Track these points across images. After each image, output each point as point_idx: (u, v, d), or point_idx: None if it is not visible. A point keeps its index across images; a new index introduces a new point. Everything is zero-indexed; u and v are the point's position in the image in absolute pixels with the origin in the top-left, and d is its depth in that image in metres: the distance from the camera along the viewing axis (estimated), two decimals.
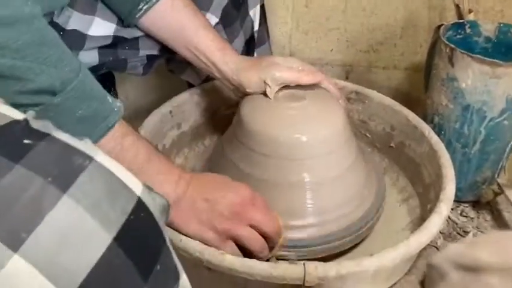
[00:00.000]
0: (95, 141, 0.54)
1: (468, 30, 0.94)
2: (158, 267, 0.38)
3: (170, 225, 0.63)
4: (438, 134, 0.88)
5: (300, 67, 0.79)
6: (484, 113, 0.84)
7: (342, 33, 1.17)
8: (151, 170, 0.60)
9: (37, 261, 0.33)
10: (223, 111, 0.99)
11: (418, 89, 1.13)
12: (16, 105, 0.41)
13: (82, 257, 0.34)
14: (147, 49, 0.85)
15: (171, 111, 0.91)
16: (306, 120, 0.76)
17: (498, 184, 0.92)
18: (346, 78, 1.20)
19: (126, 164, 0.51)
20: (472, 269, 0.21)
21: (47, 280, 0.34)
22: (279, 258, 0.73)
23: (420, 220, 0.82)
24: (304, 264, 0.63)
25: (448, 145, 0.88)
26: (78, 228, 0.35)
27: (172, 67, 0.96)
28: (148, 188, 0.39)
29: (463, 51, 0.82)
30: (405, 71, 1.20)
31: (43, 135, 0.38)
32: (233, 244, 0.65)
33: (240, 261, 0.63)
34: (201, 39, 0.78)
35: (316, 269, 0.62)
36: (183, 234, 0.64)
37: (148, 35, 0.82)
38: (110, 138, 0.56)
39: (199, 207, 0.63)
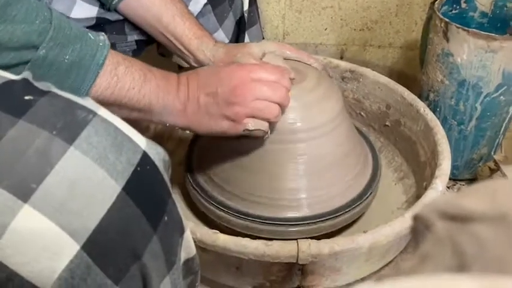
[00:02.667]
0: (91, 83, 0.52)
1: (464, 5, 0.92)
2: (166, 218, 0.39)
3: (188, 130, 0.64)
4: (433, 111, 0.87)
5: (276, 51, 0.77)
6: (479, 89, 0.82)
7: (335, 12, 1.15)
8: (151, 86, 0.59)
9: (48, 209, 0.34)
10: None
11: (414, 67, 1.12)
12: (6, 68, 0.42)
13: (93, 205, 0.35)
14: (135, 34, 0.84)
15: None
16: (301, 103, 0.74)
17: (494, 161, 0.91)
18: (341, 58, 1.19)
19: (126, 89, 0.55)
20: (458, 218, 0.20)
21: (59, 228, 0.35)
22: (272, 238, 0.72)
23: (416, 199, 0.81)
24: (297, 242, 0.62)
25: (444, 122, 0.87)
26: (87, 178, 0.35)
27: (162, 50, 0.94)
28: (151, 142, 0.40)
29: (458, 25, 0.80)
30: (400, 49, 1.18)
31: (44, 92, 0.38)
32: (252, 119, 0.64)
33: (233, 241, 0.63)
34: (178, 27, 0.78)
35: (310, 247, 0.61)
36: (201, 134, 0.65)
37: None
38: (104, 74, 0.54)
39: (204, 103, 0.62)
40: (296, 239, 0.64)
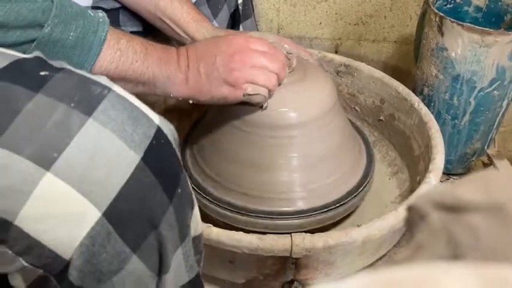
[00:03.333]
0: (95, 58, 0.53)
1: (458, 0, 0.92)
2: (179, 190, 0.41)
3: (191, 99, 0.64)
4: (428, 105, 0.87)
5: (275, 43, 0.77)
6: (473, 83, 0.83)
7: (330, 6, 1.14)
8: (153, 59, 0.59)
9: (70, 177, 0.35)
10: None
11: (408, 62, 1.12)
12: (12, 47, 0.43)
13: (113, 174, 0.36)
14: (129, 26, 0.83)
15: None
16: (295, 97, 0.74)
17: (488, 155, 0.91)
18: (336, 52, 1.19)
19: (130, 63, 0.56)
20: (453, 208, 0.20)
21: (81, 195, 0.36)
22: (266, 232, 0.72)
23: (409, 193, 0.82)
24: (291, 235, 0.62)
25: (438, 117, 0.87)
26: (107, 148, 0.37)
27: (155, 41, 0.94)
28: (163, 119, 0.41)
29: (452, 19, 0.80)
30: (395, 44, 1.18)
31: (58, 69, 0.40)
32: (251, 84, 0.65)
33: (227, 234, 0.62)
34: (176, 11, 0.78)
35: (304, 240, 0.61)
36: (204, 103, 0.65)
37: (127, 8, 0.80)
38: (107, 49, 0.55)
39: (204, 72, 0.63)
40: (290, 233, 0.64)
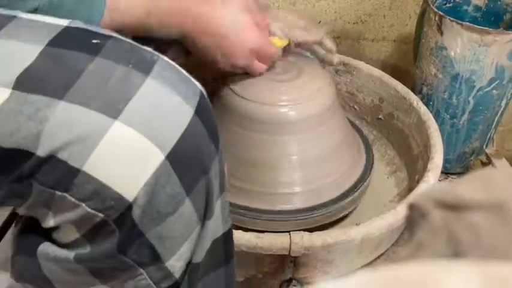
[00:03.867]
0: (103, 9, 0.50)
1: None
2: (220, 144, 0.45)
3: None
4: (427, 104, 0.87)
5: (305, 24, 0.76)
6: (472, 83, 0.83)
7: (329, 5, 1.14)
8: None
9: (136, 124, 0.39)
10: (210, 83, 0.97)
11: (407, 61, 1.12)
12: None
13: (174, 122, 0.40)
14: None
15: None
16: (293, 95, 0.74)
17: (486, 154, 0.91)
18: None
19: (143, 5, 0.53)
20: (454, 207, 0.20)
21: (147, 139, 0.39)
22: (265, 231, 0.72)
23: (408, 192, 0.82)
24: (289, 234, 0.62)
25: (437, 116, 0.87)
26: (167, 101, 0.40)
27: (155, 47, 0.93)
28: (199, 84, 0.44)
29: (452, 18, 0.80)
30: (394, 43, 1.18)
31: (107, 36, 0.43)
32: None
33: None
34: None
35: (302, 239, 0.61)
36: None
37: None
38: None
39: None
40: (289, 231, 0.64)
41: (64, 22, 0.43)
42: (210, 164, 0.43)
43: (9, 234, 0.83)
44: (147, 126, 0.39)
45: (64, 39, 0.41)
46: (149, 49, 0.43)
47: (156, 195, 0.41)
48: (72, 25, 0.43)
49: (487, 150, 0.92)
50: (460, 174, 0.98)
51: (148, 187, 0.40)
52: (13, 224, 0.60)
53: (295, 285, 0.69)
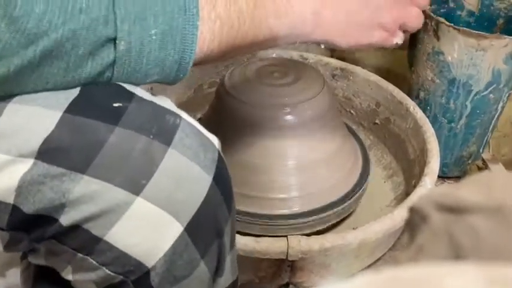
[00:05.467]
0: (195, 47, 0.41)
1: (451, 4, 0.92)
2: (234, 204, 0.46)
3: (326, 43, 0.53)
4: (424, 109, 0.87)
5: None
6: (470, 87, 0.83)
7: None
8: (266, 10, 0.46)
9: (158, 200, 0.40)
10: (206, 89, 0.97)
11: (403, 67, 1.12)
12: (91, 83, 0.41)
13: (194, 195, 0.41)
14: None
15: (151, 88, 0.89)
16: (292, 100, 0.74)
17: (483, 159, 0.91)
18: (331, 56, 1.18)
19: (236, 30, 0.44)
20: (455, 210, 0.20)
21: (167, 213, 0.40)
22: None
23: (404, 196, 0.82)
24: (287, 238, 0.62)
25: (434, 120, 0.87)
26: (188, 173, 0.41)
27: None
28: (216, 139, 0.45)
29: (448, 23, 0.81)
30: (390, 48, 1.18)
31: (129, 96, 0.41)
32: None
33: None
34: None
35: (300, 243, 0.61)
36: (341, 48, 0.54)
37: None
38: (202, 25, 0.42)
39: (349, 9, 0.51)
40: (286, 236, 0.64)
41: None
42: (224, 227, 0.45)
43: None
44: (167, 200, 0.40)
45: (82, 104, 0.40)
46: (172, 109, 0.42)
47: (174, 263, 0.42)
48: (89, 87, 0.40)
49: (484, 156, 0.93)
50: (457, 178, 0.98)
51: (167, 257, 0.42)
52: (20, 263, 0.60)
53: None
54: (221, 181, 0.43)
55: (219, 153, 0.44)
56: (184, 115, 0.43)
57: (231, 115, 0.74)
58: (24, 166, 0.38)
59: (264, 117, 0.72)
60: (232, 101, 0.74)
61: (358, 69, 0.95)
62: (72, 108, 0.39)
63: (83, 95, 0.40)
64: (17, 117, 0.39)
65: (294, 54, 0.97)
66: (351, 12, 0.51)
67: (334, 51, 1.20)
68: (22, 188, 0.39)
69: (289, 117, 0.73)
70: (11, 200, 0.39)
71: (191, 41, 0.41)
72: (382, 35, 0.55)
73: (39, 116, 0.39)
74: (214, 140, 0.44)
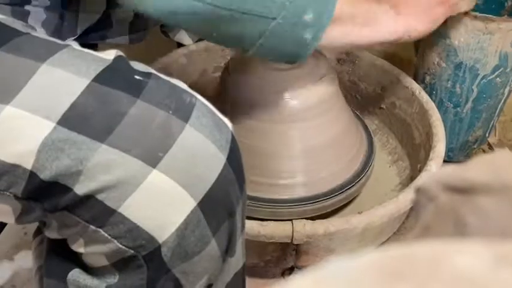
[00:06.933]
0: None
1: None
2: (245, 186, 0.47)
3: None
4: (430, 93, 0.86)
5: None
6: (476, 71, 0.82)
7: None
8: None
9: (173, 173, 0.41)
10: (211, 74, 0.97)
11: (409, 50, 1.11)
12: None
13: (208, 171, 0.42)
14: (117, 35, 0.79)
15: None
16: (295, 84, 0.74)
17: (489, 144, 0.91)
18: None
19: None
20: (463, 190, 0.20)
21: (182, 188, 0.41)
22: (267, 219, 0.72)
23: (409, 181, 0.82)
24: (292, 222, 0.62)
25: (440, 105, 0.86)
26: (203, 150, 0.42)
27: (166, 28, 0.92)
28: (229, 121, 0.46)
29: None
30: None
31: (147, 73, 0.44)
32: None
33: None
34: None
35: (305, 227, 0.61)
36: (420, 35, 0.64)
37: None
38: None
39: None
40: (291, 220, 0.64)
41: (110, 56, 0.44)
42: (236, 207, 0.46)
43: (10, 225, 0.83)
44: (183, 175, 0.41)
45: (109, 75, 0.42)
46: (188, 89, 0.44)
47: (186, 238, 0.43)
48: (118, 59, 0.44)
49: (490, 140, 0.92)
50: (463, 162, 0.98)
51: (179, 231, 0.42)
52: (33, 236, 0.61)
53: (297, 273, 0.69)
54: (234, 161, 0.44)
55: (232, 135, 0.45)
56: (199, 96, 0.44)
57: (235, 100, 0.74)
58: (46, 130, 0.39)
59: (268, 102, 0.72)
60: (237, 86, 0.74)
61: (363, 54, 0.94)
62: (100, 78, 0.41)
63: (111, 66, 0.43)
64: (49, 78, 0.41)
65: None
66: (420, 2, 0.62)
67: None
68: (41, 153, 0.39)
69: (294, 101, 0.72)
70: (29, 165, 0.40)
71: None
72: (445, 8, 0.65)
73: (68, 80, 0.41)
74: (226, 121, 0.46)
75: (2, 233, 0.83)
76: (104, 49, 0.89)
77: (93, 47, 1.06)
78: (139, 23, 0.78)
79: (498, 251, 0.14)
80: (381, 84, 0.92)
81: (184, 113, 0.42)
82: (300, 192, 0.73)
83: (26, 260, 0.79)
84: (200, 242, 0.44)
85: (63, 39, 0.55)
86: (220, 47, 0.95)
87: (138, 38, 0.79)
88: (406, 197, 0.66)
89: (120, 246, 0.42)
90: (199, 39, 0.94)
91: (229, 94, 0.75)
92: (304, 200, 0.73)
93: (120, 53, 0.45)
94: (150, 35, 0.90)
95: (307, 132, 0.74)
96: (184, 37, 0.93)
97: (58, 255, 0.49)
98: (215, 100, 0.78)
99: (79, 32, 0.65)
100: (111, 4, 0.62)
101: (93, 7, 0.64)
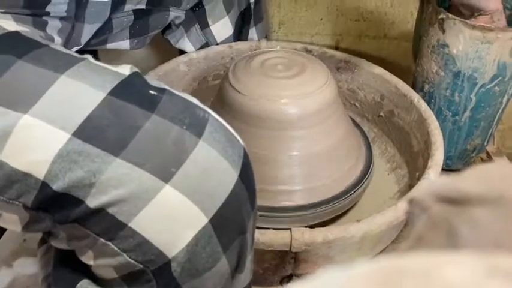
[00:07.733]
0: None
1: None
2: (256, 201, 0.47)
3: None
4: (428, 102, 0.87)
5: None
6: (475, 80, 0.82)
7: (331, 2, 1.14)
8: None
9: (185, 189, 0.40)
10: (211, 81, 0.97)
11: (408, 59, 1.11)
12: None
13: (220, 188, 0.42)
14: (132, 3, 0.77)
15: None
16: (294, 91, 0.74)
17: (487, 152, 0.91)
18: (336, 48, 1.18)
19: None
20: (456, 201, 0.20)
21: (193, 204, 0.41)
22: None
23: (408, 189, 0.82)
24: (290, 230, 0.62)
25: (438, 113, 0.87)
26: (215, 166, 0.42)
27: (168, 35, 0.92)
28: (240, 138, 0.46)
29: (454, 16, 0.80)
30: (395, 40, 1.18)
31: (161, 89, 0.44)
32: None
33: None
34: None
35: (303, 235, 0.61)
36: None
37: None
38: None
39: None
40: (289, 228, 0.64)
41: (126, 71, 0.45)
42: (247, 224, 0.46)
43: (9, 231, 0.83)
44: (195, 191, 0.41)
45: (124, 89, 0.42)
46: (201, 105, 0.44)
47: (196, 255, 0.43)
48: (134, 74, 0.44)
49: (488, 148, 0.92)
50: (461, 171, 0.98)
51: (189, 247, 0.42)
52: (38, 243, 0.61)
53: (295, 281, 0.69)
54: (246, 177, 0.44)
55: (244, 150, 0.45)
56: (211, 111, 0.44)
57: (234, 107, 0.74)
58: (62, 140, 0.39)
59: (267, 109, 0.73)
60: (236, 93, 0.74)
61: (362, 62, 0.95)
62: (116, 92, 0.42)
63: (126, 80, 0.43)
64: (66, 90, 0.41)
65: (298, 47, 0.97)
66: None
67: (338, 44, 1.20)
68: (55, 164, 0.39)
69: (293, 109, 0.73)
70: (42, 175, 0.40)
71: None
72: None
73: (85, 93, 0.41)
74: (238, 137, 0.45)
75: (1, 239, 0.83)
76: (105, 55, 0.90)
77: (93, 53, 1.06)
78: (139, 27, 0.79)
79: (490, 263, 0.14)
80: (379, 92, 0.93)
81: (198, 128, 0.42)
82: (298, 200, 0.74)
83: (25, 267, 0.79)
84: (211, 259, 0.44)
85: (69, 49, 0.55)
86: (220, 55, 0.95)
87: (140, 43, 0.80)
88: (405, 206, 0.66)
89: (130, 260, 0.42)
90: (201, 47, 0.94)
91: (229, 102, 0.75)
92: (302, 208, 0.73)
93: (135, 69, 0.46)
94: (152, 43, 0.90)
95: (307, 140, 0.74)
96: (186, 44, 0.94)
97: (67, 265, 0.49)
98: (214, 108, 0.79)
99: (83, 42, 0.65)
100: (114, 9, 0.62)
101: (96, 19, 0.64)
